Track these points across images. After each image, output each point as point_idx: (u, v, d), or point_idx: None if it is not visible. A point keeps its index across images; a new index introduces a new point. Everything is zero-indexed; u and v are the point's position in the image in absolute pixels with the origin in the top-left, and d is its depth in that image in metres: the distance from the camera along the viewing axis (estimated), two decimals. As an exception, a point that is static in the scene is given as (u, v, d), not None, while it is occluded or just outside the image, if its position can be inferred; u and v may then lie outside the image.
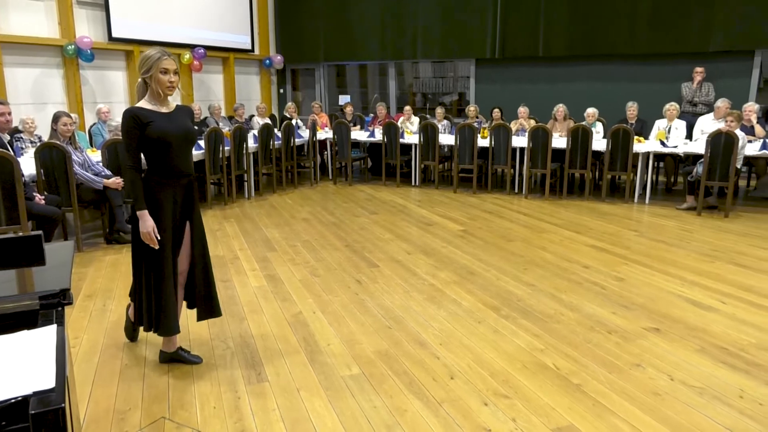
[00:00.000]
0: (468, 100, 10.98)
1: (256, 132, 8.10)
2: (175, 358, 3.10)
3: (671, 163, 7.95)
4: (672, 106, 7.68)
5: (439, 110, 9.24)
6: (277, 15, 12.15)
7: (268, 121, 9.06)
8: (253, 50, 11.69)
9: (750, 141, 6.89)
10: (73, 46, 8.08)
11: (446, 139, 8.39)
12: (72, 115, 5.58)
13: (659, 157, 7.78)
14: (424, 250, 5.25)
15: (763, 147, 6.68)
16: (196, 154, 6.97)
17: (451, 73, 12.05)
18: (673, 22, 8.83)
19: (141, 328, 3.16)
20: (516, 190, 8.01)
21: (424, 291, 4.21)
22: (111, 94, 9.03)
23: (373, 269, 4.71)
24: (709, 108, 7.94)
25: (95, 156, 5.91)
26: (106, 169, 5.47)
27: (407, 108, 9.44)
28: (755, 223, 6.12)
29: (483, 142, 7.91)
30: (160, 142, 2.75)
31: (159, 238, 2.79)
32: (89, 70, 8.61)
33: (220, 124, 8.48)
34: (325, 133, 9.33)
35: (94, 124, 7.76)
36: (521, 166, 7.83)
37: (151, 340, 3.41)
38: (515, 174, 7.99)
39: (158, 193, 2.82)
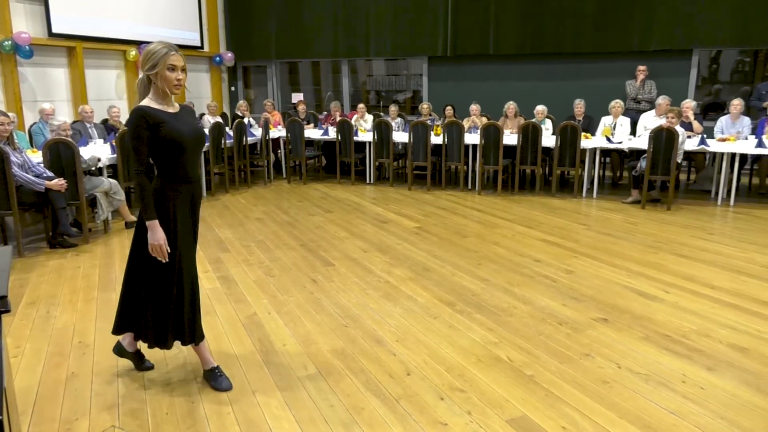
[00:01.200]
0: (421, 97, 11.05)
1: (206, 131, 7.93)
2: (128, 359, 3.00)
3: (617, 158, 8.22)
4: (617, 104, 7.95)
5: (393, 108, 9.27)
6: (227, 11, 11.92)
7: (219, 119, 8.88)
8: (202, 47, 11.44)
9: (689, 136, 7.20)
10: (9, 42, 7.71)
11: (400, 136, 8.43)
12: (10, 114, 5.32)
13: (605, 152, 8.03)
14: (380, 247, 5.27)
15: (701, 142, 6.99)
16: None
17: (404, 71, 12.10)
18: (617, 22, 9.13)
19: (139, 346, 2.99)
20: (469, 187, 8.12)
21: (380, 288, 4.22)
22: (52, 92, 8.67)
23: (328, 268, 4.69)
24: (652, 105, 8.25)
25: (36, 157, 5.67)
26: (47, 171, 5.25)
27: (361, 106, 9.44)
28: (695, 215, 6.40)
29: (436, 139, 7.99)
30: (174, 145, 2.52)
31: (170, 251, 2.59)
32: (28, 67, 8.24)
33: (169, 122, 8.24)
34: (278, 132, 9.22)
35: (35, 123, 7.44)
36: (474, 162, 7.95)
37: (99, 346, 3.29)
38: (468, 170, 8.10)
39: (174, 201, 2.61)
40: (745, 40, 8.61)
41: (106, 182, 5.79)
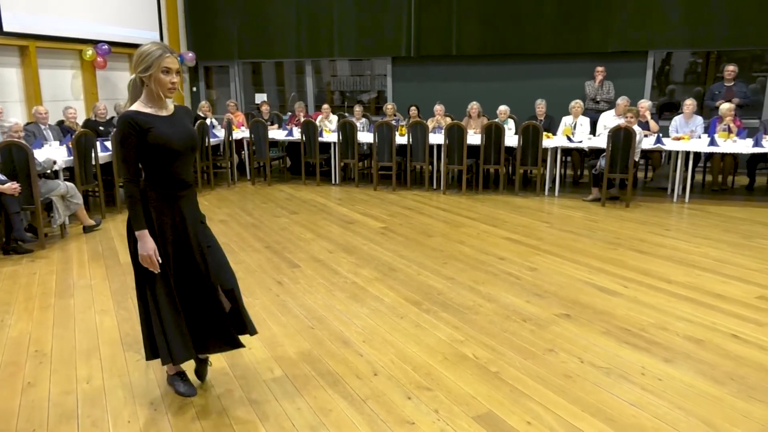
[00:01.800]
0: (386, 98, 11.07)
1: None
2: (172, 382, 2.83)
3: (577, 157, 8.39)
4: (577, 104, 8.12)
5: (357, 108, 9.27)
6: (188, 10, 11.72)
7: (180, 120, 8.70)
8: (162, 47, 11.20)
9: (646, 135, 7.41)
10: (-43, 41, 7.40)
11: (365, 137, 8.43)
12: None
13: (566, 151, 8.19)
14: (346, 248, 5.26)
15: (657, 141, 7.20)
16: (103, 156, 6.61)
17: (368, 71, 12.11)
18: (575, 24, 9.33)
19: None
20: (434, 186, 8.18)
21: (346, 289, 4.21)
22: (4, 92, 8.36)
23: (294, 270, 4.66)
24: (611, 105, 8.46)
25: (-13, 160, 5.46)
26: (0, 174, 5.06)
27: (325, 106, 9.40)
28: (652, 212, 6.59)
29: (401, 139, 8.01)
30: (163, 150, 2.41)
31: (160, 261, 2.48)
32: (-23, 66, 7.94)
33: (129, 124, 8.06)
34: (241, 133, 9.11)
35: (-15, 125, 7.15)
36: (438, 162, 8.01)
37: (56, 355, 3.20)
38: (433, 170, 8.16)
39: (157, 208, 2.49)
40: (696, 42, 8.91)
41: (63, 185, 5.62)
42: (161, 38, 11.11)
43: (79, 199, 5.76)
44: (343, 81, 12.48)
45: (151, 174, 2.48)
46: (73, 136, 6.14)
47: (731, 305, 3.83)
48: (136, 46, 10.49)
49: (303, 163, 8.59)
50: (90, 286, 4.33)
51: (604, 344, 3.29)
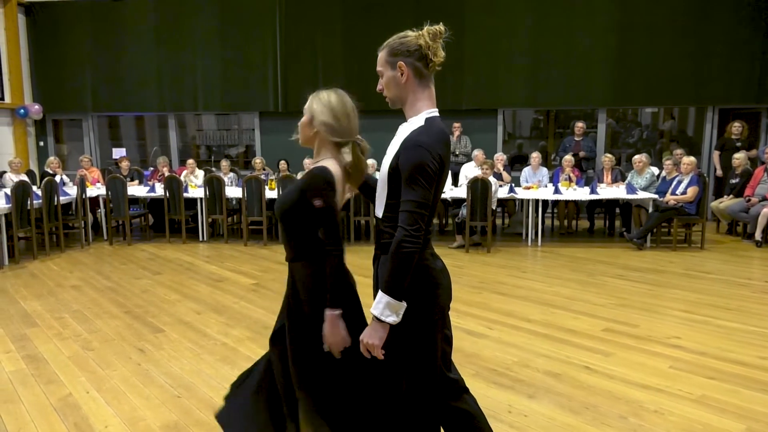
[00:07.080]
0: (254, 152, 10.99)
1: (8, 190, 7.05)
2: None
3: (442, 207, 8.86)
4: (438, 157, 8.63)
5: (224, 163, 9.09)
6: (33, 60, 10.89)
7: (24, 177, 7.96)
8: (2, 98, 10.26)
9: (501, 185, 8.04)
10: None
11: (233, 191, 8.25)
12: None
13: (431, 202, 8.60)
14: (215, 308, 5.03)
15: (511, 190, 7.84)
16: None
17: (236, 125, 12.00)
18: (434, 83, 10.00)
19: None
20: (306, 240, 8.14)
21: (215, 352, 4.00)
22: None
23: (157, 335, 4.35)
24: (468, 158, 9.10)
25: None
26: None
27: (190, 161, 9.12)
28: (511, 256, 7.09)
29: (271, 193, 7.95)
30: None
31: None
32: None
33: (-40, 182, 7.21)
34: (96, 190, 8.50)
35: None
36: (310, 215, 8.02)
37: None
38: (305, 224, 8.15)
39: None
40: (537, 102, 9.95)
41: None
42: (1, 89, 10.19)
43: None
44: (210, 135, 12.24)
45: (315, 243, 2.11)
46: None
47: (582, 339, 4.19)
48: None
49: (167, 221, 8.18)
50: None
51: (474, 386, 3.40)
